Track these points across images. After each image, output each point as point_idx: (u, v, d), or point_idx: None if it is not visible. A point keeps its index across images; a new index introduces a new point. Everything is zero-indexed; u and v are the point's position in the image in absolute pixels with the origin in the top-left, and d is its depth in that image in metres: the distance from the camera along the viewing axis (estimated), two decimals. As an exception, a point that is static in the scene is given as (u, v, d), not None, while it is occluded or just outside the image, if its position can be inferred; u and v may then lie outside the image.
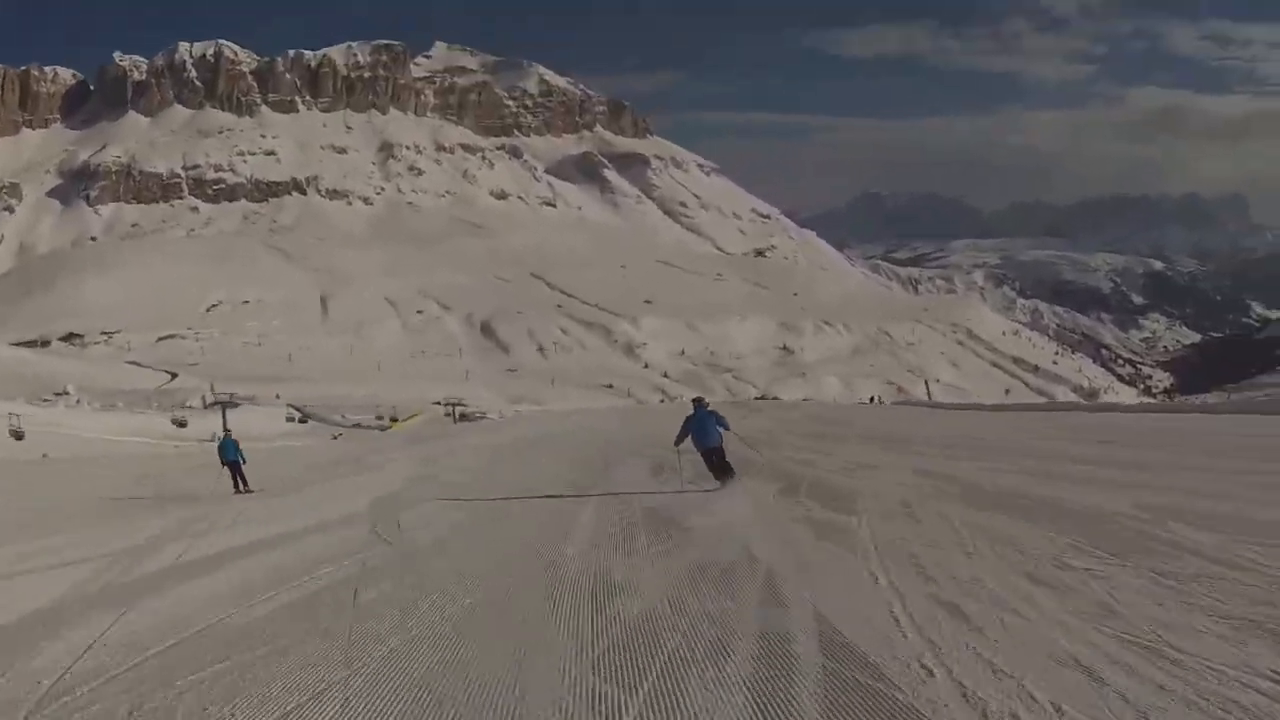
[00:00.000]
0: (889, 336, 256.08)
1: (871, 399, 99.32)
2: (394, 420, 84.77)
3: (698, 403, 13.82)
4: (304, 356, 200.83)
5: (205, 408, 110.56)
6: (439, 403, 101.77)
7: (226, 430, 24.39)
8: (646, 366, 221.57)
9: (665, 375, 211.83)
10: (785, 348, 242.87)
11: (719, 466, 12.81)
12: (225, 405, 57.54)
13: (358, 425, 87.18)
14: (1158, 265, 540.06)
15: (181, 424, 60.32)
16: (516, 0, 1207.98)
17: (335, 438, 62.82)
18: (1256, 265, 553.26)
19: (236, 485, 20.13)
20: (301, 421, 75.49)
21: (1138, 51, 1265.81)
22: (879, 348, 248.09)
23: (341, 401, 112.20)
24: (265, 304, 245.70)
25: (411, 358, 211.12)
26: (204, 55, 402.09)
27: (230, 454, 20.48)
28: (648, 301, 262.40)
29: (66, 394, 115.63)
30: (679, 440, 13.24)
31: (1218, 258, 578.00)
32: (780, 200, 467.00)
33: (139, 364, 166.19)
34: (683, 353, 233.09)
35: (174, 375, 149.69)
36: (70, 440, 50.73)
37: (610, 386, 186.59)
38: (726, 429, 13.00)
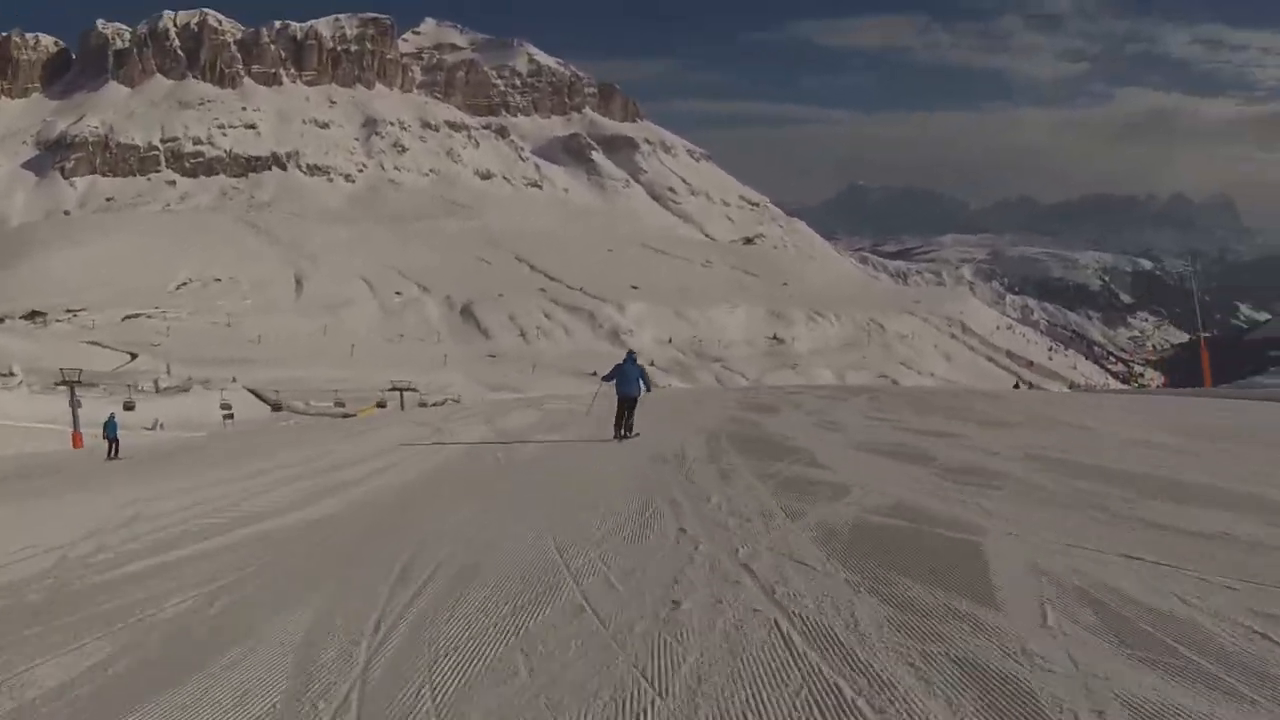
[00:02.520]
0: (881, 328, 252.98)
1: (1017, 385, 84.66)
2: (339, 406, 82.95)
3: (629, 355, 15.62)
4: (275, 338, 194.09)
5: (157, 391, 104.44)
6: (393, 388, 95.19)
7: (111, 414, 31.75)
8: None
9: (652, 363, 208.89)
10: (776, 337, 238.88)
11: (626, 417, 14.29)
12: (74, 385, 56.73)
13: (317, 411, 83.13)
14: (1146, 265, 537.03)
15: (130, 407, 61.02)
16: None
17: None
18: (1245, 268, 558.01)
19: (109, 453, 27.81)
20: (227, 416, 75.61)
21: (1130, 53, 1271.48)
22: (871, 339, 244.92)
23: (312, 385, 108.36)
24: (237, 282, 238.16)
25: (388, 341, 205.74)
26: (188, 24, 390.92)
27: (112, 432, 28.53)
28: (634, 287, 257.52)
29: (11, 374, 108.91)
30: (605, 379, 15.02)
31: (1205, 259, 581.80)
32: (766, 191, 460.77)
33: (99, 344, 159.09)
34: (670, 340, 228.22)
35: (134, 356, 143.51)
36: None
37: (594, 374, 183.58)
38: (648, 389, 14.65)
